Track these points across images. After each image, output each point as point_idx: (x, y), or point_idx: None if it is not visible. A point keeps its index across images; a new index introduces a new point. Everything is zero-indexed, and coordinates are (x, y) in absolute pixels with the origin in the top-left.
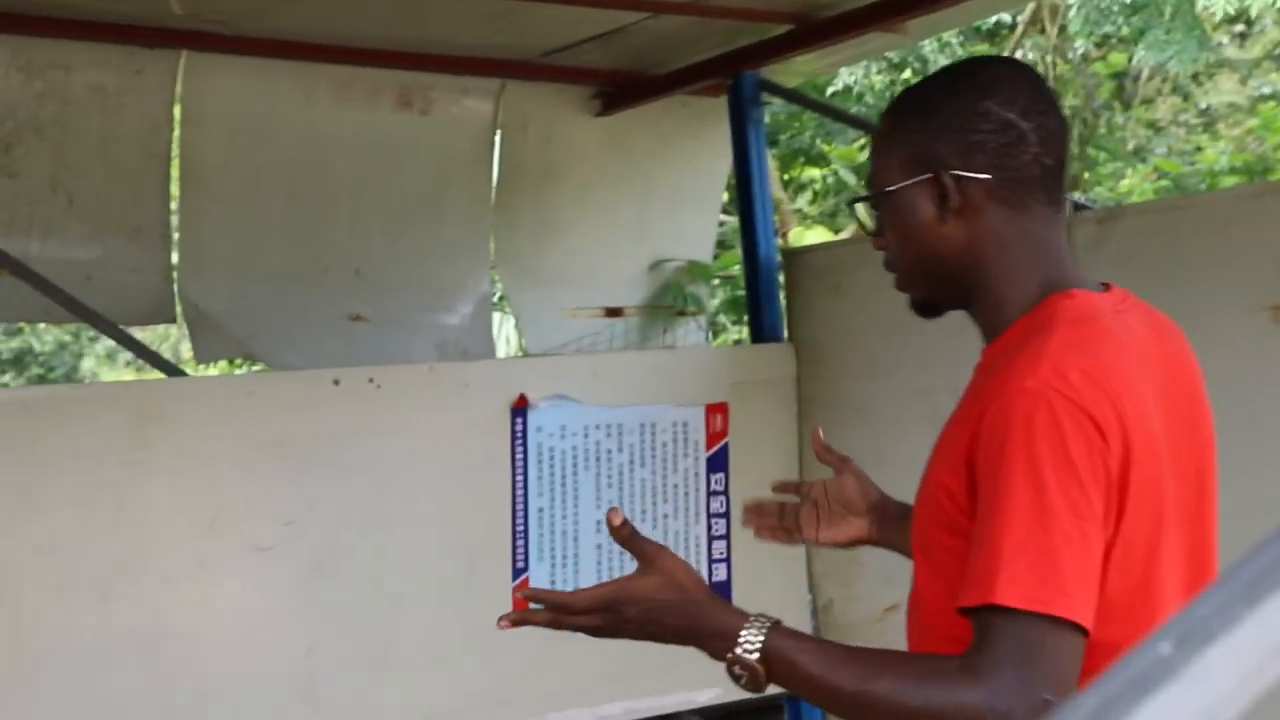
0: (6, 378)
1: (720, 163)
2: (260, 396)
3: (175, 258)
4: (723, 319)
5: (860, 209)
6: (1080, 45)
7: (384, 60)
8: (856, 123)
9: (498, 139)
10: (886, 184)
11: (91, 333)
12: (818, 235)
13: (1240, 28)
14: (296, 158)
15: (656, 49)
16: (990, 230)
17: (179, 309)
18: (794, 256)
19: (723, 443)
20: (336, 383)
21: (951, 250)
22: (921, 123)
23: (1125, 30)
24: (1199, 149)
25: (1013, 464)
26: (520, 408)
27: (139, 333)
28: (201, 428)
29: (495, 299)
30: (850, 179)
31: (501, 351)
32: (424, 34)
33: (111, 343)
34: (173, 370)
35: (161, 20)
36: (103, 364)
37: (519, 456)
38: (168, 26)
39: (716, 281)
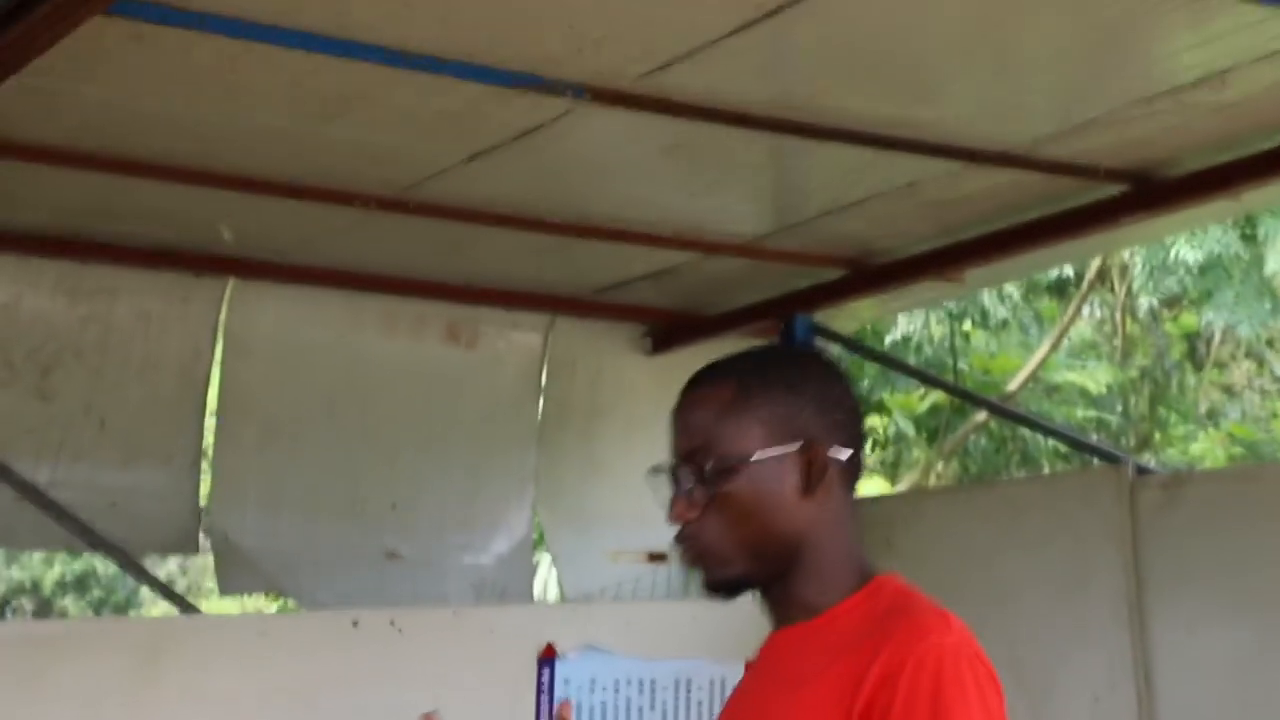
0: (68, 600)
1: None
2: (273, 637)
3: (206, 487)
4: None
5: (675, 474)
6: (1146, 302)
7: (432, 292)
8: (912, 372)
9: (544, 374)
10: (746, 451)
11: (152, 557)
12: (875, 487)
13: None
14: (339, 387)
15: (709, 289)
16: (833, 510)
17: (204, 539)
18: None
19: None
20: (355, 624)
21: (795, 527)
22: (786, 393)
23: (1192, 290)
24: (1275, 415)
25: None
26: (548, 658)
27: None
28: (211, 669)
29: (536, 538)
30: (910, 429)
31: (540, 593)
32: (474, 267)
33: (173, 568)
34: (186, 606)
35: (210, 247)
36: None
37: (544, 711)
38: (216, 254)
39: None
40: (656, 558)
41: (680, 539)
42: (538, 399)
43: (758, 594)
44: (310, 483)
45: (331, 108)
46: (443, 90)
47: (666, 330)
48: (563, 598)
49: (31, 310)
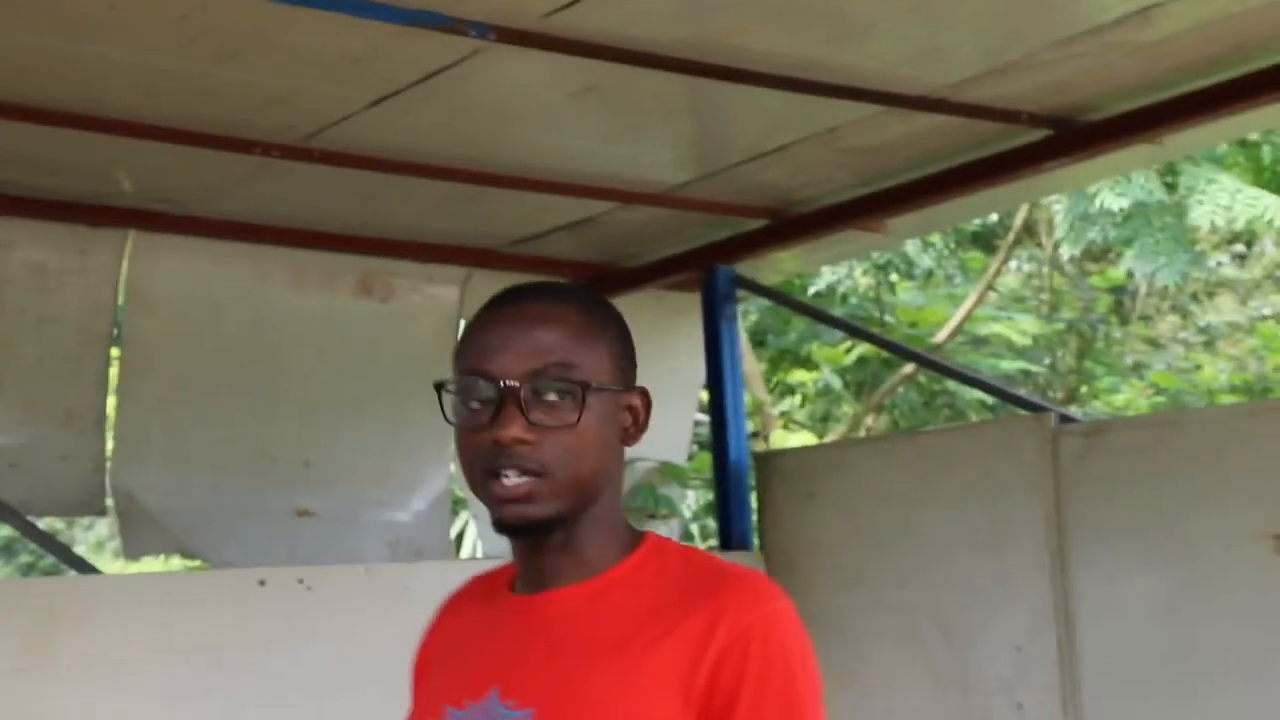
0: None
1: (697, 360)
2: (177, 596)
3: (109, 446)
4: (697, 525)
5: (512, 390)
6: (1070, 254)
7: (343, 244)
8: (838, 323)
9: (461, 328)
10: (600, 380)
11: (85, 520)
12: (802, 440)
13: (1240, 249)
14: (246, 343)
15: (628, 240)
16: (621, 464)
17: (110, 500)
18: (766, 460)
19: None
20: (262, 583)
21: (608, 472)
22: (620, 332)
23: (1113, 237)
24: (1198, 367)
25: (806, 698)
26: None
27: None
28: (111, 631)
29: (455, 496)
30: (837, 382)
31: (466, 553)
32: (386, 218)
33: (103, 531)
34: (84, 567)
35: (109, 199)
36: (92, 552)
37: None
38: (115, 205)
39: (693, 484)
40: None
41: (509, 463)
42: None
43: (528, 543)
44: (218, 440)
45: (224, 48)
46: (341, 30)
47: (586, 283)
48: (475, 558)
49: None
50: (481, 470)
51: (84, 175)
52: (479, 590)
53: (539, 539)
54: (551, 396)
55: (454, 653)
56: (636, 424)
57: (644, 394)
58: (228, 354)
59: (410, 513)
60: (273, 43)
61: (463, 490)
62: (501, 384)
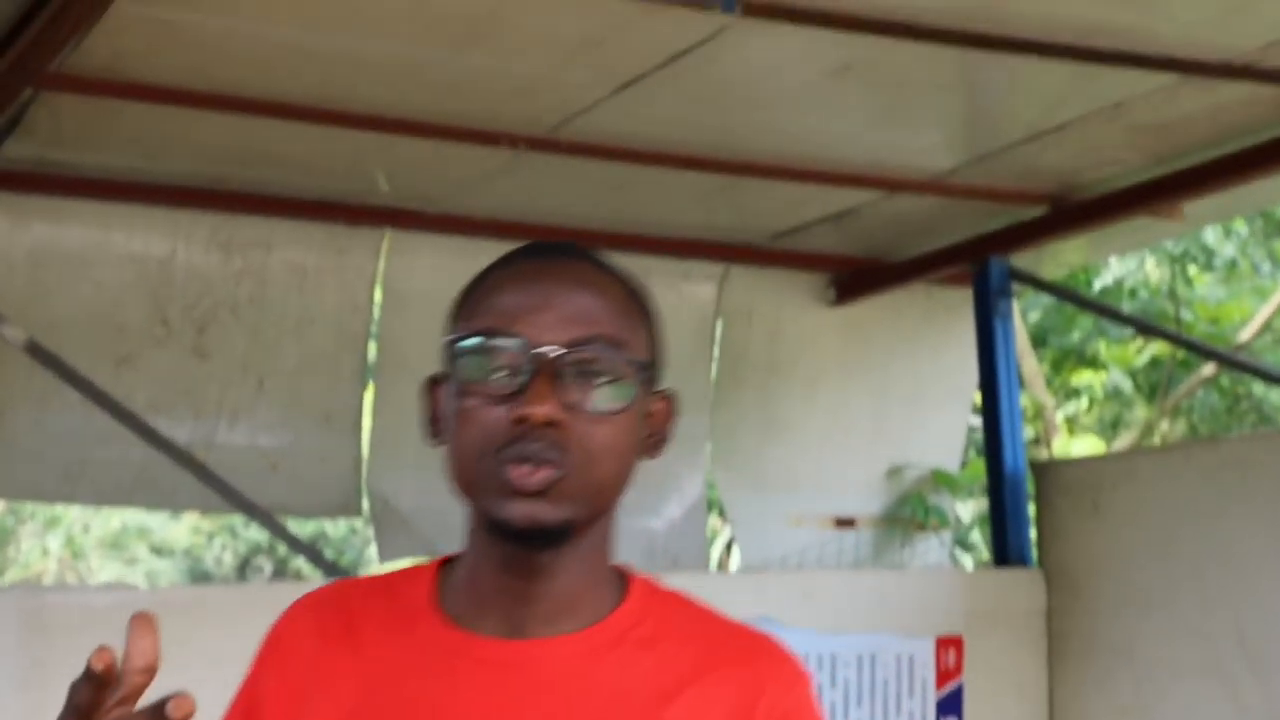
0: (300, 561)
1: (969, 360)
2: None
3: (365, 448)
4: (974, 537)
5: (552, 360)
6: None
7: (595, 241)
8: (1128, 320)
9: (719, 328)
10: (641, 355)
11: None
12: (1087, 447)
13: None
14: None
15: (894, 232)
16: (630, 482)
17: (365, 503)
18: (1045, 469)
19: (955, 683)
20: None
21: (623, 486)
22: (656, 323)
23: None
24: None
25: None
26: None
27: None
28: None
29: (710, 503)
30: (1127, 385)
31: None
32: (638, 212)
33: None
34: (335, 571)
35: (365, 197)
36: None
37: None
38: (371, 204)
39: (968, 494)
40: (844, 523)
41: (530, 449)
42: (711, 355)
43: (520, 560)
44: None
45: (461, 33)
46: (578, 9)
47: (850, 279)
48: (740, 566)
49: (186, 265)
50: (493, 452)
51: (339, 174)
52: (368, 610)
53: (538, 554)
54: (593, 375)
55: (374, 701)
56: (657, 434)
57: (672, 401)
58: None
59: (665, 520)
60: (509, 26)
61: (719, 496)
62: (535, 350)
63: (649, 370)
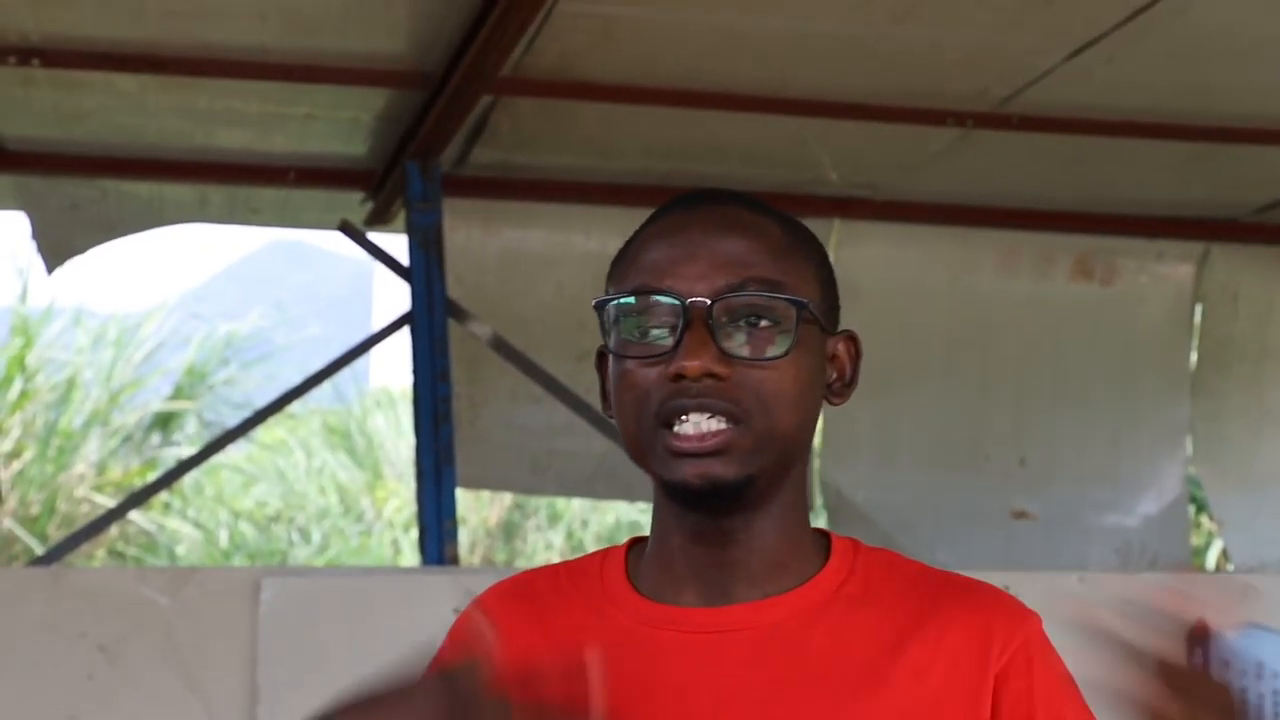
0: None
1: None
2: None
3: (817, 440)
4: None
5: (703, 310)
6: None
7: (1056, 223)
8: None
9: (1198, 312)
10: (806, 295)
11: None
12: None
13: None
14: (955, 333)
15: None
16: (815, 428)
17: (819, 496)
18: None
19: None
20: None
21: (809, 433)
22: (826, 263)
23: None
24: None
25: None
26: (1199, 636)
27: None
28: None
29: (1191, 499)
30: None
31: (1212, 563)
32: (1103, 190)
33: None
34: None
35: (811, 187)
36: None
37: None
38: (818, 194)
39: None
40: None
41: (693, 404)
42: (1190, 340)
43: (706, 524)
44: (927, 435)
45: (899, 6)
46: None
47: None
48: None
49: None
50: (652, 416)
51: (784, 163)
52: (558, 596)
53: (723, 514)
54: (753, 320)
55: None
56: (842, 378)
57: (853, 339)
58: (936, 344)
59: (1139, 516)
60: None
61: (1202, 493)
62: (685, 302)
63: (816, 310)
